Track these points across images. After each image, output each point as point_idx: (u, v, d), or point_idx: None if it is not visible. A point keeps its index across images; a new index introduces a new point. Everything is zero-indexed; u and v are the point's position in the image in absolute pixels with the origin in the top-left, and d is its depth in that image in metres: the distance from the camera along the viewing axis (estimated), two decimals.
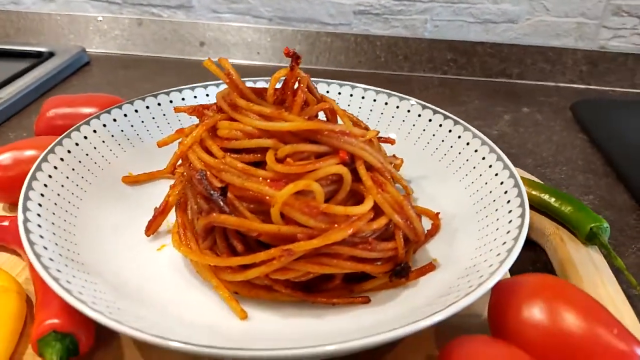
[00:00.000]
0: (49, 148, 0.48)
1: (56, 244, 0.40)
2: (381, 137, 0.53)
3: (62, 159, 0.49)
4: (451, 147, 0.54)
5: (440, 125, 0.56)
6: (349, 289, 0.42)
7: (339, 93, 0.63)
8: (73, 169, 0.49)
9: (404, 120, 0.59)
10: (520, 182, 0.45)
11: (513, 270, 0.37)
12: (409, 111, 0.59)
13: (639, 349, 0.33)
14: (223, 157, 0.41)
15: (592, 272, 0.46)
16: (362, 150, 0.41)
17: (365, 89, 0.62)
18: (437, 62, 0.98)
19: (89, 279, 0.38)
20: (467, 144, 0.53)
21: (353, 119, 0.49)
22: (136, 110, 0.58)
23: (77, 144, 0.51)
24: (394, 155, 0.54)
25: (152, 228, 0.47)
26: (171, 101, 0.60)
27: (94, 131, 0.53)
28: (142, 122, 0.58)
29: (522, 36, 0.99)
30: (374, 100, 0.62)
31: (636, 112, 0.81)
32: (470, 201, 0.49)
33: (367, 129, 0.49)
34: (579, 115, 0.81)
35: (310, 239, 0.37)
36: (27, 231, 0.38)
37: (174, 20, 1.02)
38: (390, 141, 0.53)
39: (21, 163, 0.51)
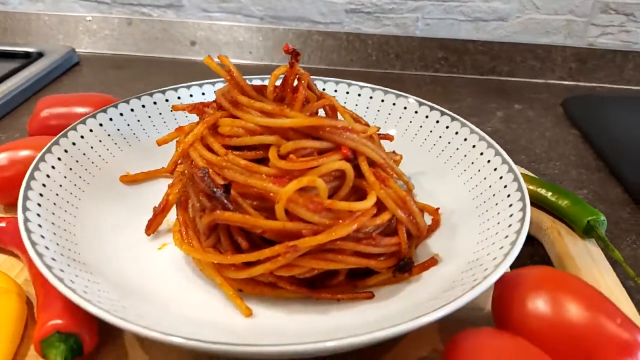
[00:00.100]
0: (46, 147, 0.47)
1: (57, 244, 0.40)
2: (380, 134, 0.53)
3: (59, 159, 0.48)
4: (449, 143, 0.55)
5: (437, 122, 0.57)
6: (353, 284, 0.42)
7: (335, 91, 0.63)
8: (71, 169, 0.49)
9: (400, 117, 0.60)
10: (520, 176, 0.45)
11: (512, 264, 0.37)
12: (405, 108, 0.60)
13: None
14: (225, 154, 0.41)
15: (590, 264, 0.47)
16: (364, 146, 0.42)
17: (361, 87, 0.62)
18: (429, 61, 0.99)
19: (92, 279, 0.38)
20: (465, 139, 0.53)
21: (353, 115, 0.49)
22: (132, 109, 0.57)
23: (74, 144, 0.50)
24: (393, 152, 0.54)
25: (152, 227, 0.47)
26: (167, 100, 0.60)
27: (90, 130, 0.53)
28: (139, 121, 0.57)
29: (512, 34, 1.00)
30: (370, 98, 0.62)
31: (625, 107, 0.82)
32: (470, 196, 0.49)
33: (367, 125, 0.49)
34: (570, 112, 0.82)
35: (315, 235, 0.37)
36: (28, 231, 0.38)
37: (164, 20, 1.02)
38: (389, 137, 0.53)
39: (17, 163, 0.50)
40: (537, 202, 0.53)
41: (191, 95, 0.61)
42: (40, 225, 0.40)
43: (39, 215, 0.41)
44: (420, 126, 0.58)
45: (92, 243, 0.44)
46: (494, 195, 0.46)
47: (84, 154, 0.51)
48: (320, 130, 0.41)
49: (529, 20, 0.99)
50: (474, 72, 0.99)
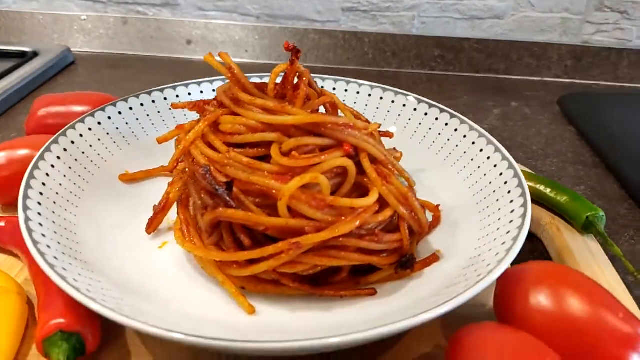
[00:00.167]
0: (45, 146, 0.47)
1: (58, 243, 0.39)
2: (380, 131, 0.53)
3: (58, 157, 0.48)
4: (448, 140, 0.55)
5: (437, 119, 0.57)
6: (355, 281, 0.42)
7: (334, 89, 0.63)
8: (70, 168, 0.48)
9: (399, 115, 0.60)
10: (520, 172, 0.46)
11: (513, 260, 0.37)
12: (404, 105, 0.60)
13: None
14: (227, 151, 0.40)
15: (589, 259, 0.47)
16: (366, 143, 0.42)
17: (360, 84, 0.63)
18: (425, 59, 0.99)
19: (94, 277, 0.38)
20: (464, 136, 0.53)
21: (354, 112, 0.49)
22: (131, 108, 0.57)
23: (72, 142, 0.50)
24: (394, 149, 0.54)
25: (152, 226, 0.47)
26: (165, 98, 0.60)
27: (89, 129, 0.53)
28: (137, 119, 0.57)
29: (508, 32, 1.00)
30: (369, 95, 0.62)
31: (621, 104, 0.83)
32: (470, 193, 0.49)
33: (367, 122, 0.49)
34: (567, 109, 0.83)
35: (317, 232, 0.37)
36: (30, 230, 0.38)
37: (159, 19, 1.01)
38: (389, 135, 0.53)
39: (15, 163, 0.50)
40: (536, 199, 0.54)
41: (189, 94, 0.61)
42: (41, 224, 0.40)
43: (39, 214, 0.41)
44: (420, 123, 0.58)
45: (92, 242, 0.43)
46: (494, 191, 0.47)
47: (83, 153, 0.51)
48: (322, 127, 0.41)
49: (524, 18, 0.99)
50: (470, 70, 0.99)
